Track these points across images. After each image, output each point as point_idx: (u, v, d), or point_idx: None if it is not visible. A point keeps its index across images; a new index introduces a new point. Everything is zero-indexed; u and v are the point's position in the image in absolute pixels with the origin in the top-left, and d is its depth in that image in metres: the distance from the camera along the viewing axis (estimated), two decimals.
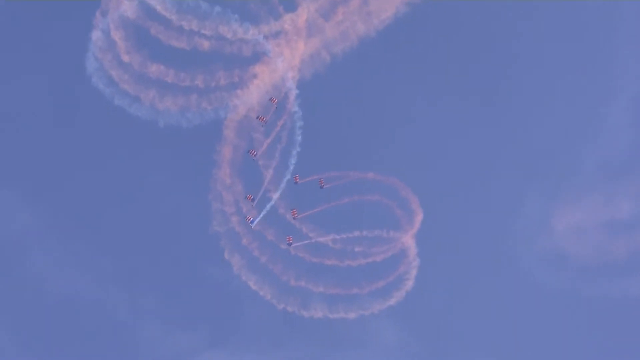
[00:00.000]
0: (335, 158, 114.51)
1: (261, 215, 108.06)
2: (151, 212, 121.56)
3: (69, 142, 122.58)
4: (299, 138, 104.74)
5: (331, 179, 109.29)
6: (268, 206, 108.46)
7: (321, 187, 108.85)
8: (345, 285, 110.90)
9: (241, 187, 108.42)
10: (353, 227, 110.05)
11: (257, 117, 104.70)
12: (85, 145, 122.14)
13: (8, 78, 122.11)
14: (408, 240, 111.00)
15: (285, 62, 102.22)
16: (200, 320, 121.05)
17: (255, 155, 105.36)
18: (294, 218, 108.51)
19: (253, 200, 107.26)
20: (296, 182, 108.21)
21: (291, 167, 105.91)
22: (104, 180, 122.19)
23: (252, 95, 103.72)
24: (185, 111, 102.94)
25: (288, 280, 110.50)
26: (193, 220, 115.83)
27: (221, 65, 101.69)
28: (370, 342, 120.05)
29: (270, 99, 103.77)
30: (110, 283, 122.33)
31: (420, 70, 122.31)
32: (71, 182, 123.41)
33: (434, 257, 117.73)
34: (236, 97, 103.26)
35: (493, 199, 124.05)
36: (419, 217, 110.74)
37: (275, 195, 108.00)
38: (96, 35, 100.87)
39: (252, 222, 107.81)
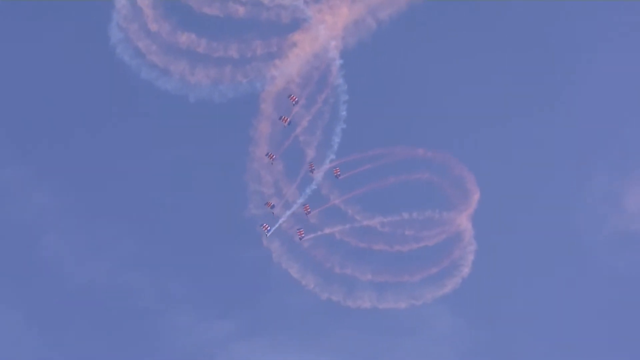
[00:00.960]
0: (381, 134, 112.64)
1: (277, 224, 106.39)
2: (181, 193, 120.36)
3: (91, 119, 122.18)
4: (344, 113, 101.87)
5: (377, 157, 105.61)
6: (308, 189, 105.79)
7: (337, 177, 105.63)
8: (394, 273, 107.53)
9: (281, 166, 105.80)
10: (402, 209, 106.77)
11: (289, 96, 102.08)
12: (109, 122, 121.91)
13: (26, 50, 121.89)
14: (463, 222, 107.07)
15: (327, 29, 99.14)
16: (235, 309, 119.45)
17: (287, 122, 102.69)
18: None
19: (273, 207, 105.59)
20: (311, 171, 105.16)
21: (335, 146, 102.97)
22: (129, 159, 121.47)
23: (291, 66, 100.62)
24: (218, 84, 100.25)
25: (332, 268, 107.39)
26: (227, 202, 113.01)
27: (257, 33, 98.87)
28: (422, 330, 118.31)
29: (290, 97, 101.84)
30: (135, 269, 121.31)
31: (476, 37, 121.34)
32: (93, 161, 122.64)
33: (492, 240, 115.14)
34: (274, 68, 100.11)
35: (557, 176, 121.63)
36: (475, 197, 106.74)
37: (318, 176, 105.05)
38: (120, 2, 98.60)
39: (268, 231, 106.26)
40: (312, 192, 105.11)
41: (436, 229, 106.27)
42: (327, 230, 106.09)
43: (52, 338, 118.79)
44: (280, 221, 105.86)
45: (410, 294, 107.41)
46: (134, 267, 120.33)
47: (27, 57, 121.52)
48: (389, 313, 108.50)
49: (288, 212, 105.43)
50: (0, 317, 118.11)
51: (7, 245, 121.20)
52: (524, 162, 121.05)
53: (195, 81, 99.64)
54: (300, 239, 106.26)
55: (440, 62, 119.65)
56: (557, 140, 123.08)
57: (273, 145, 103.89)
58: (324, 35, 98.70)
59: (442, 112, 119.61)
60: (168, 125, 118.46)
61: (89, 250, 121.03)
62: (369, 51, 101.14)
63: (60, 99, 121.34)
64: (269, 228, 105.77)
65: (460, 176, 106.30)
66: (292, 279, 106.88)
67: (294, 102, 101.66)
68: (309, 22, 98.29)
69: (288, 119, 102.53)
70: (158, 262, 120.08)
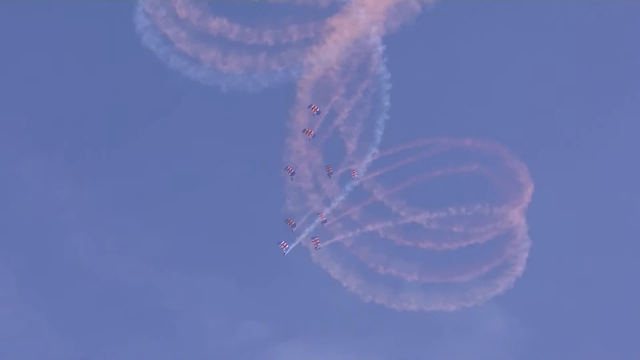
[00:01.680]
0: (426, 124, 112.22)
1: (296, 242, 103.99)
2: (213, 188, 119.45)
3: (116, 111, 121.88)
4: (387, 104, 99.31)
5: (422, 149, 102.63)
6: (350, 185, 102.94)
7: (352, 178, 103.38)
8: (443, 272, 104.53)
9: (320, 159, 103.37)
10: (449, 204, 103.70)
11: (310, 107, 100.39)
12: (136, 113, 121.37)
13: (49, 39, 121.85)
14: (516, 217, 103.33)
15: (368, 13, 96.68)
16: (272, 310, 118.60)
17: (311, 135, 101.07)
18: (316, 246, 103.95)
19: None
20: (329, 174, 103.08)
21: (378, 138, 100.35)
22: (158, 152, 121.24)
23: (329, 53, 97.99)
24: (251, 73, 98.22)
25: (376, 268, 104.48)
26: (263, 198, 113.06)
27: (293, 18, 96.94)
28: (473, 331, 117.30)
29: (311, 107, 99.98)
30: (164, 266, 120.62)
31: (527, 19, 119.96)
32: (118, 153, 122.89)
33: (548, 236, 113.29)
34: (311, 55, 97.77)
35: (618, 164, 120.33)
36: (528, 190, 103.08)
37: (360, 169, 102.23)
38: None
39: (286, 249, 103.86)
40: (353, 188, 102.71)
41: (487, 225, 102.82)
42: (370, 228, 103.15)
43: (77, 339, 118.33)
44: (300, 239, 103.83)
45: (460, 295, 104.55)
46: (163, 265, 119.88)
47: (49, 45, 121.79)
48: (437, 315, 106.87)
49: (307, 230, 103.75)
50: (22, 317, 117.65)
51: (28, 241, 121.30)
52: (581, 152, 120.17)
53: (228, 70, 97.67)
54: (316, 248, 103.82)
55: (488, 45, 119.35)
56: (617, 127, 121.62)
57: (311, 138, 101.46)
58: (364, 19, 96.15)
59: (491, 99, 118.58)
60: (198, 117, 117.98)
61: (115, 246, 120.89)
62: (413, 36, 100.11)
63: (84, 90, 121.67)
64: (287, 246, 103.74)
65: (511, 167, 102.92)
66: (332, 280, 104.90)
67: (315, 113, 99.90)
68: (348, 5, 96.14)
69: (312, 132, 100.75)
70: (189, 259, 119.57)
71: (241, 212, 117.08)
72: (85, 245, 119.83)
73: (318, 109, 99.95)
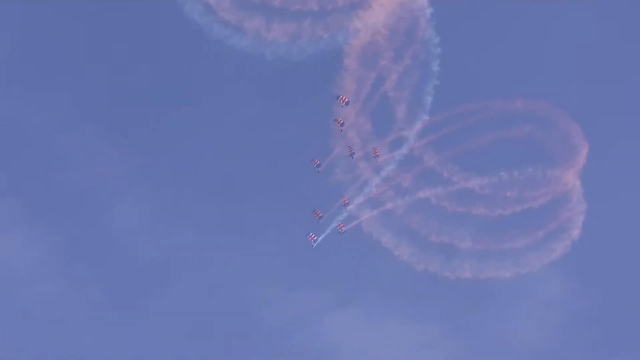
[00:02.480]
0: (476, 86, 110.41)
1: (325, 234, 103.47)
2: (260, 159, 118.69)
3: (161, 81, 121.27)
4: (436, 69, 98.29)
5: (472, 113, 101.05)
6: (402, 149, 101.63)
7: (350, 154, 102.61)
8: (497, 239, 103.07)
9: (369, 126, 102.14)
10: (502, 168, 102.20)
11: (338, 98, 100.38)
12: (180, 84, 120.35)
13: (90, 11, 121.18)
14: (570, 179, 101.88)
15: None
16: (326, 279, 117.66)
17: (340, 124, 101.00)
18: (340, 230, 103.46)
19: (320, 218, 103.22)
20: (351, 155, 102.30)
21: (427, 104, 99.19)
22: (202, 124, 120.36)
23: (376, 17, 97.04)
24: (296, 40, 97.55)
25: (428, 236, 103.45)
26: (312, 168, 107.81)
27: None
28: (529, 296, 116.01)
29: (339, 98, 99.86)
30: (216, 238, 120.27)
31: None
32: (165, 125, 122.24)
33: (604, 198, 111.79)
34: (357, 20, 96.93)
35: None
36: (583, 151, 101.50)
37: (411, 136, 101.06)
38: None
39: (315, 241, 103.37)
40: (404, 154, 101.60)
41: (541, 188, 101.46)
42: (421, 195, 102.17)
43: (127, 315, 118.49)
44: (328, 231, 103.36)
45: (514, 261, 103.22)
46: (214, 236, 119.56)
47: (93, 18, 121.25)
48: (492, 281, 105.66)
49: (332, 224, 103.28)
50: (71, 294, 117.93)
51: (75, 215, 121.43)
52: (636, 110, 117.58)
53: (272, 38, 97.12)
54: (340, 233, 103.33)
55: (539, 4, 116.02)
56: None
57: (359, 103, 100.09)
58: None
59: (542, 59, 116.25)
60: (243, 86, 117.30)
61: (162, 218, 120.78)
62: None
63: (128, 62, 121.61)
64: (315, 238, 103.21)
65: (564, 129, 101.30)
66: (384, 248, 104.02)
67: (343, 104, 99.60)
68: None
69: (341, 121, 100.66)
70: (241, 230, 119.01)
71: (290, 182, 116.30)
72: (131, 217, 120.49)
73: (347, 99, 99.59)
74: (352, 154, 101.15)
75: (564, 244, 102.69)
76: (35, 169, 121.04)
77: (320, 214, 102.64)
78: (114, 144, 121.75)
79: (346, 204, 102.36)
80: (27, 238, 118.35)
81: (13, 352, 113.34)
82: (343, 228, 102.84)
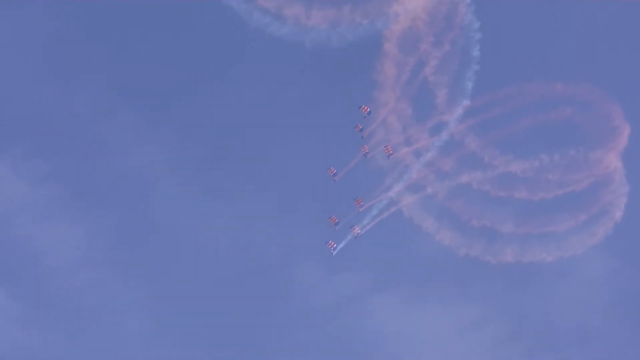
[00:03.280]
0: (515, 69, 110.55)
1: (344, 242, 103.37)
2: (301, 146, 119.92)
3: (200, 69, 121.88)
4: (476, 54, 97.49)
5: (512, 96, 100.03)
6: (443, 134, 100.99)
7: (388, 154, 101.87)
8: (539, 222, 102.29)
9: (410, 111, 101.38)
10: (543, 151, 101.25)
11: (356, 127, 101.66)
12: (219, 72, 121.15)
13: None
14: (612, 161, 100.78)
15: None
16: (366, 263, 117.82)
17: (362, 132, 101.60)
18: (356, 235, 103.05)
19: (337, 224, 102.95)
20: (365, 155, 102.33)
21: (468, 89, 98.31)
22: (244, 111, 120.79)
23: (415, 2, 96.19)
24: (336, 27, 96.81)
25: (470, 220, 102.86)
26: (351, 153, 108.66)
27: None
28: (572, 277, 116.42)
29: (361, 108, 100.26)
30: (257, 222, 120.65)
31: None
32: (205, 112, 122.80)
33: None
34: (396, 5, 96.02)
35: None
36: (624, 132, 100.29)
37: (451, 120, 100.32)
38: None
39: (334, 249, 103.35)
40: (444, 139, 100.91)
41: (582, 171, 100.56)
42: (463, 179, 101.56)
43: (170, 300, 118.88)
44: (347, 239, 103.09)
45: (557, 245, 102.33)
46: (255, 221, 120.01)
47: (133, 6, 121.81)
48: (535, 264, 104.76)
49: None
50: (114, 280, 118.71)
51: (117, 200, 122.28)
52: None
53: (311, 25, 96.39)
54: (356, 237, 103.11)
55: None
56: None
57: (400, 88, 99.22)
58: None
59: (582, 41, 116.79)
60: (283, 74, 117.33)
61: (205, 203, 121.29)
62: None
63: (168, 50, 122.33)
64: (335, 246, 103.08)
65: (606, 110, 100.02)
66: (424, 233, 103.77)
67: (365, 114, 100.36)
68: None
69: (361, 127, 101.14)
70: (281, 214, 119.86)
71: (331, 164, 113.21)
72: (173, 202, 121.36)
73: (369, 109, 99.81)
74: (366, 154, 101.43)
75: (606, 227, 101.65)
76: (77, 155, 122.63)
77: (337, 220, 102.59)
78: (155, 129, 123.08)
79: (360, 205, 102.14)
80: (70, 224, 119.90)
81: (59, 339, 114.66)
82: (358, 231, 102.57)
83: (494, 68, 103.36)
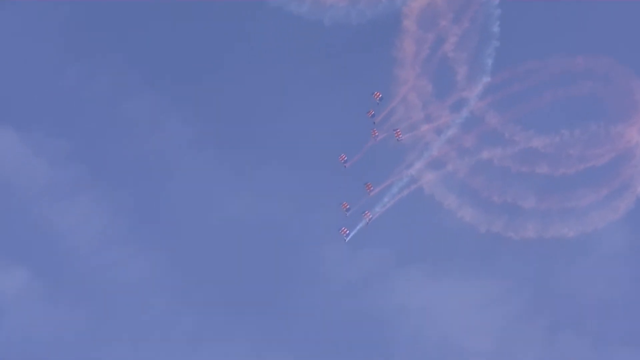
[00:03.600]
0: (535, 45, 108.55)
1: (357, 228, 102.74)
2: (320, 124, 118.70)
3: (220, 48, 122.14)
4: (496, 30, 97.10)
5: (533, 71, 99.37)
6: (463, 111, 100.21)
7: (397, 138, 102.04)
8: (560, 198, 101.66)
9: (430, 88, 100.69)
10: (564, 127, 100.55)
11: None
12: (240, 51, 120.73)
13: None
14: (634, 136, 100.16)
15: None
16: (388, 239, 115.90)
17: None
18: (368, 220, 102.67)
19: (348, 210, 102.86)
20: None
21: (489, 65, 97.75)
22: (265, 90, 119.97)
23: None
24: (355, 4, 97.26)
25: (491, 196, 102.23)
26: (368, 133, 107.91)
27: None
28: (594, 251, 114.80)
29: (374, 94, 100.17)
30: (279, 200, 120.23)
31: None
32: (226, 90, 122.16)
33: None
34: None
35: None
36: None
37: (472, 97, 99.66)
38: None
39: (347, 235, 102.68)
40: (465, 116, 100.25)
41: (603, 146, 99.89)
42: (484, 155, 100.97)
43: (194, 277, 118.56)
44: (360, 225, 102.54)
45: (579, 220, 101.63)
46: (278, 198, 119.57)
47: None
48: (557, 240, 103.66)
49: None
50: (138, 259, 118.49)
51: (140, 180, 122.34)
52: None
53: (330, 2, 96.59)
54: (368, 222, 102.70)
55: None
56: None
57: (419, 65, 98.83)
58: None
59: (603, 13, 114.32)
60: (302, 52, 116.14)
61: (228, 181, 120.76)
62: None
63: (189, 27, 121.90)
64: (347, 232, 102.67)
65: (627, 84, 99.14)
66: (446, 210, 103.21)
67: (378, 99, 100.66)
68: None
69: (373, 112, 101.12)
70: (302, 192, 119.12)
71: (350, 144, 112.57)
72: (195, 182, 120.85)
73: (381, 95, 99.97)
74: (375, 137, 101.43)
75: (628, 201, 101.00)
76: (99, 134, 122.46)
77: (348, 206, 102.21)
78: (177, 108, 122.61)
79: (370, 190, 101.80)
80: (93, 204, 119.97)
81: (82, 319, 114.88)
82: (370, 216, 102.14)
83: (514, 44, 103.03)
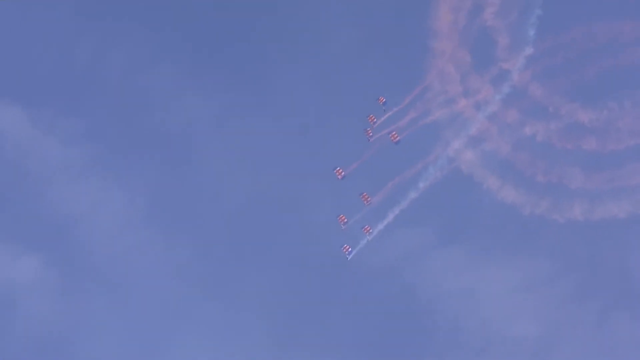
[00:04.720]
0: (580, 11, 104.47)
1: (359, 247, 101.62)
2: (354, 94, 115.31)
3: (238, 18, 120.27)
4: None
5: (577, 40, 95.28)
6: (505, 84, 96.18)
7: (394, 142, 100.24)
8: (609, 176, 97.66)
9: (469, 58, 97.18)
10: (612, 98, 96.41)
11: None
12: (260, 23, 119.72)
13: None
14: None
15: None
16: (429, 219, 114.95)
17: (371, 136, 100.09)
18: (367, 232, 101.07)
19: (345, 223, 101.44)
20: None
21: (531, 35, 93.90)
22: (292, 60, 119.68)
23: None
24: None
25: (535, 175, 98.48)
26: (409, 105, 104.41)
27: None
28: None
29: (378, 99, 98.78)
30: (305, 178, 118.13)
31: None
32: (248, 62, 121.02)
33: None
34: None
35: None
36: None
37: (513, 68, 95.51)
38: None
39: (349, 253, 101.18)
40: (506, 89, 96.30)
41: None
42: (527, 131, 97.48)
43: (220, 264, 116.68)
44: (363, 243, 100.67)
45: (630, 199, 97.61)
46: (308, 177, 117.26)
47: None
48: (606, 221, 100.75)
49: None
50: (155, 242, 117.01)
51: (158, 156, 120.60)
52: None
53: None
54: (369, 237, 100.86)
55: None
56: None
57: (457, 35, 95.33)
58: None
59: None
60: (335, 24, 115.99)
61: (250, 159, 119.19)
62: None
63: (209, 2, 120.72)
64: (350, 250, 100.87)
65: None
66: (487, 191, 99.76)
67: (382, 103, 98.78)
68: None
69: (374, 119, 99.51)
70: (329, 171, 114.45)
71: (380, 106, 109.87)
72: (217, 158, 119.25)
73: (384, 100, 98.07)
74: (369, 138, 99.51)
75: None
76: (113, 111, 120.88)
77: (345, 219, 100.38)
78: (198, 80, 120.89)
79: (369, 202, 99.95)
80: (109, 185, 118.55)
81: (99, 305, 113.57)
82: (370, 230, 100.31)
83: (557, 11, 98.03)
